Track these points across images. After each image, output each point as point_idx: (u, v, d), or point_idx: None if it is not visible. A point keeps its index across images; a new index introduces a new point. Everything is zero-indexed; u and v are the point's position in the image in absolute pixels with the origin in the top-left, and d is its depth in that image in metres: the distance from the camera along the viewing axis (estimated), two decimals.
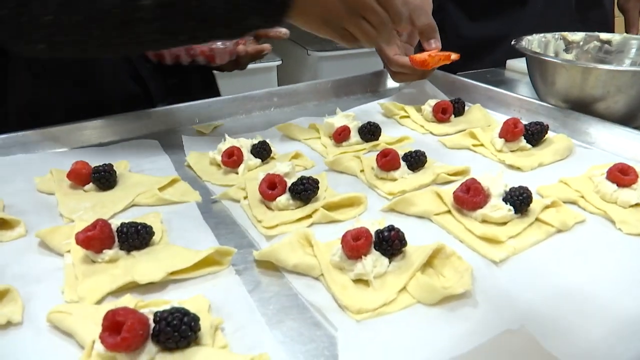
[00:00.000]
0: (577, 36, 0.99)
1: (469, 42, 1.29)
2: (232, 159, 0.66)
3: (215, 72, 1.10)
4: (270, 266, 0.48)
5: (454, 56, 0.85)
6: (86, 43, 0.65)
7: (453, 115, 0.85)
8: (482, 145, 0.75)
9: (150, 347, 0.37)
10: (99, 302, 0.44)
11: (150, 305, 0.40)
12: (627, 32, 1.39)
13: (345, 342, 0.39)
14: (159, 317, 0.37)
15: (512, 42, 0.90)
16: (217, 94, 1.08)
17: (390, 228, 0.46)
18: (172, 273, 0.46)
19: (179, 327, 0.37)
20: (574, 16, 1.31)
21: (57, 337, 0.41)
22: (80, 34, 0.63)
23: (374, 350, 0.38)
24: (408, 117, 0.87)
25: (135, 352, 0.36)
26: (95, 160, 0.64)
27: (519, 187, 0.55)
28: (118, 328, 0.36)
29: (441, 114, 0.83)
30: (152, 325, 0.37)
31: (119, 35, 0.64)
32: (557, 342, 0.36)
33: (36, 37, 0.63)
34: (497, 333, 0.31)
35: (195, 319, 0.38)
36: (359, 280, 0.45)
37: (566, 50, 0.99)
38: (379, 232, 0.46)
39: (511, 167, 0.69)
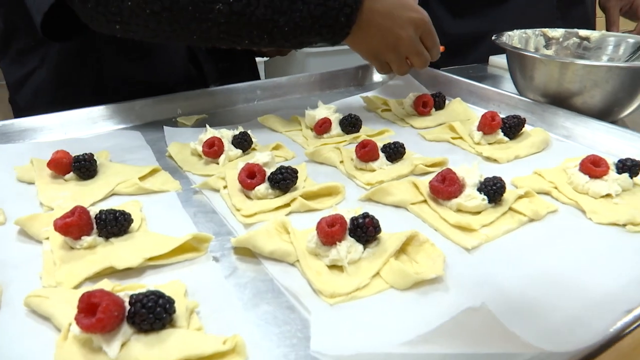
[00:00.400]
0: (557, 32, 1.01)
1: (453, 39, 1.30)
2: (212, 149, 0.66)
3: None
4: (247, 253, 0.49)
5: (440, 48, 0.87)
6: (157, 31, 0.71)
7: (434, 109, 0.86)
8: (461, 138, 0.76)
9: (126, 329, 0.37)
10: (77, 287, 0.44)
11: (127, 290, 0.41)
12: (607, 30, 1.41)
13: (317, 324, 0.40)
14: (135, 299, 0.38)
15: (493, 38, 0.91)
16: (258, 77, 1.15)
17: (365, 215, 0.47)
18: (150, 259, 0.47)
19: (154, 309, 0.37)
20: (555, 14, 1.33)
21: (34, 321, 0.41)
22: (154, 23, 0.69)
23: (345, 331, 0.39)
24: (390, 110, 0.88)
25: (110, 333, 0.37)
26: (75, 151, 0.64)
27: (493, 177, 0.56)
28: (93, 310, 0.36)
29: (422, 108, 0.84)
30: (128, 307, 0.38)
31: (189, 30, 0.70)
32: (523, 322, 0.38)
33: (115, 18, 0.69)
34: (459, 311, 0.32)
35: (170, 301, 0.38)
36: (334, 266, 0.46)
37: (546, 46, 1.00)
38: (353, 219, 0.47)
39: (488, 159, 0.70)
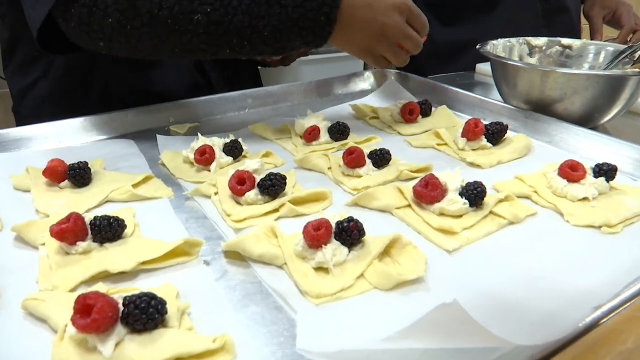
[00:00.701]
0: (540, 41, 1.03)
1: (442, 46, 1.33)
2: (204, 156, 0.68)
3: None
4: (237, 256, 0.51)
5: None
6: (139, 46, 0.73)
7: (420, 116, 0.88)
8: (446, 144, 0.78)
9: (120, 329, 0.39)
10: (72, 290, 0.46)
11: (121, 292, 0.43)
12: (592, 38, 1.45)
13: (303, 323, 0.41)
14: (128, 300, 0.39)
15: (477, 47, 0.94)
16: (260, 85, 1.18)
17: (350, 219, 0.49)
18: (143, 263, 0.48)
19: (147, 310, 0.39)
20: (541, 22, 1.36)
21: (31, 323, 0.43)
22: (135, 38, 0.71)
23: (330, 329, 0.41)
24: (377, 117, 0.90)
25: (104, 333, 0.39)
26: (70, 159, 0.66)
27: (474, 182, 0.58)
28: (88, 310, 0.38)
29: (408, 115, 0.86)
30: (121, 308, 0.40)
31: (170, 43, 0.72)
32: (499, 318, 0.40)
33: (97, 36, 0.71)
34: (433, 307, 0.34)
35: (162, 302, 0.40)
36: (320, 268, 0.48)
37: (530, 54, 1.03)
38: (338, 223, 0.49)
39: (472, 164, 0.73)
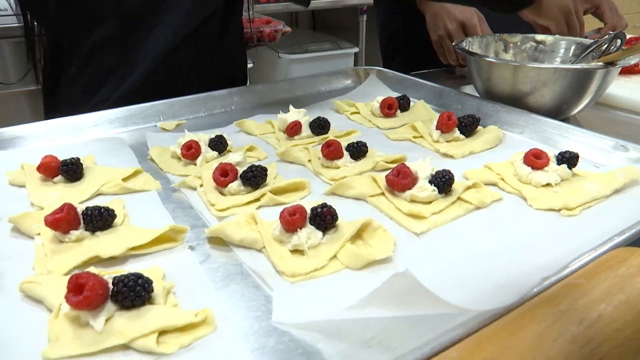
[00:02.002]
0: (515, 37, 1.08)
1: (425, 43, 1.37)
2: (190, 151, 0.72)
3: None
4: (219, 242, 0.55)
5: None
6: None
7: (399, 111, 0.92)
8: (421, 136, 0.82)
9: (110, 306, 0.43)
10: (66, 274, 0.50)
11: (111, 274, 0.47)
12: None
13: (278, 299, 0.45)
14: (117, 280, 0.43)
15: (453, 44, 0.98)
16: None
17: (324, 205, 0.53)
18: (132, 248, 0.52)
19: (134, 288, 0.43)
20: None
21: (28, 304, 0.46)
22: None
23: (303, 304, 0.45)
24: (358, 112, 0.94)
25: (96, 310, 0.42)
26: (63, 156, 0.69)
27: (443, 170, 0.62)
28: (81, 289, 0.42)
29: (387, 109, 0.90)
30: (111, 287, 0.43)
31: None
32: (457, 290, 0.43)
33: None
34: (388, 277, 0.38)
35: (148, 281, 0.44)
36: (296, 251, 0.52)
37: (505, 50, 1.07)
38: (313, 209, 0.53)
39: (445, 155, 0.77)
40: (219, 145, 0.75)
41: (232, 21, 1.07)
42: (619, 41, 0.87)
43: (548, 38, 1.05)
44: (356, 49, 2.98)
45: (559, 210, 0.60)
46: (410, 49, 1.47)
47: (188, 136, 0.75)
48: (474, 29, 1.17)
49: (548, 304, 0.36)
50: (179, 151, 0.74)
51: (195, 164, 0.73)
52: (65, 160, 0.68)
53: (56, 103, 1.03)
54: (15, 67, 2.26)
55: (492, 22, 1.21)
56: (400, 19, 1.44)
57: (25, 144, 0.82)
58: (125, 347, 0.41)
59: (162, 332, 0.42)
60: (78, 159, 0.69)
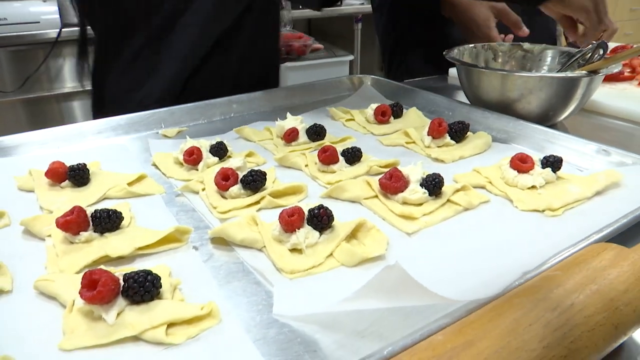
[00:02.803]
0: (503, 47, 1.12)
1: (429, 47, 1.40)
2: (192, 157, 0.75)
3: None
4: (222, 242, 0.58)
5: None
6: None
7: (392, 117, 0.96)
8: (414, 142, 0.86)
9: (121, 301, 0.46)
10: (77, 273, 0.53)
11: (121, 271, 0.50)
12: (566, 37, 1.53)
13: (278, 294, 0.49)
14: (127, 276, 0.46)
15: (444, 53, 1.02)
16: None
17: (320, 207, 0.56)
18: (139, 248, 0.55)
19: (144, 284, 0.46)
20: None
21: (42, 301, 0.49)
22: None
23: (301, 298, 0.48)
24: (353, 119, 0.97)
25: (108, 304, 0.45)
26: (69, 162, 0.72)
27: (433, 174, 0.66)
28: (94, 285, 0.45)
29: (381, 116, 0.94)
30: (122, 283, 0.46)
31: None
32: (445, 283, 0.46)
33: None
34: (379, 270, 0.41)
35: (157, 277, 0.47)
36: (294, 250, 0.55)
37: (494, 58, 1.11)
38: (310, 210, 0.56)
39: (436, 159, 0.80)
40: (219, 151, 0.78)
41: (268, 23, 1.14)
42: (601, 50, 0.91)
43: (536, 47, 1.09)
44: (351, 57, 3.03)
45: (543, 211, 0.64)
46: (413, 53, 1.51)
47: (190, 142, 0.78)
48: (504, 7, 1.22)
49: (526, 293, 0.39)
50: (181, 157, 0.77)
51: (197, 169, 0.76)
52: (72, 165, 0.71)
53: (103, 104, 1.09)
54: (13, 75, 2.29)
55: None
56: (405, 24, 1.50)
57: (31, 151, 0.85)
58: (135, 338, 0.44)
59: (170, 325, 0.45)
60: (84, 164, 0.72)
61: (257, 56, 1.12)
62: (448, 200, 0.65)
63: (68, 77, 2.41)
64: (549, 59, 1.06)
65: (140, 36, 1.01)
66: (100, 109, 1.10)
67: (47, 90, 2.37)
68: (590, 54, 0.94)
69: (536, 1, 0.88)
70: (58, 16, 2.23)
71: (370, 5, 3.04)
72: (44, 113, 2.41)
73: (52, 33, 2.21)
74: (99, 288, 0.44)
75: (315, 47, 2.52)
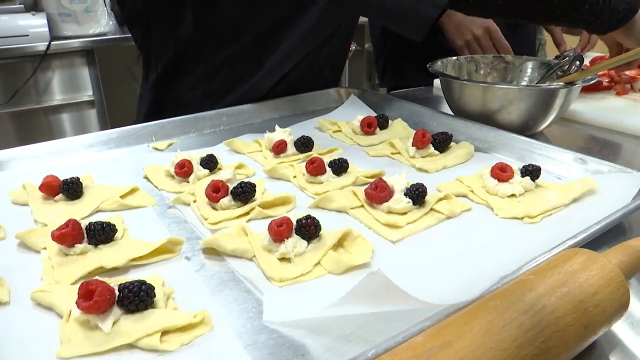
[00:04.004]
0: (486, 59, 1.15)
1: (424, 57, 1.43)
2: (183, 170, 0.77)
3: None
4: (213, 252, 0.60)
5: None
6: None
7: (378, 129, 0.99)
8: (399, 153, 0.89)
9: (116, 310, 0.48)
10: (73, 284, 0.54)
11: (116, 282, 0.51)
12: (557, 48, 1.57)
13: (268, 301, 0.51)
14: (122, 286, 0.48)
15: (427, 65, 1.05)
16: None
17: (308, 217, 0.59)
18: (133, 259, 0.57)
19: (139, 293, 0.48)
20: (505, 33, 1.46)
21: (39, 311, 0.51)
22: None
23: (290, 305, 0.50)
24: (340, 131, 1.00)
25: (104, 314, 0.47)
26: (62, 175, 0.74)
27: (417, 183, 0.68)
28: (90, 295, 0.46)
29: (367, 128, 0.96)
30: (117, 293, 0.48)
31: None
32: (427, 288, 0.49)
33: None
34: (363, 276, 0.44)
35: (151, 287, 0.49)
36: (283, 259, 0.57)
37: (477, 70, 1.15)
38: (298, 220, 0.58)
39: (420, 169, 0.83)
40: (209, 163, 0.80)
41: (349, 39, 1.21)
42: (578, 62, 0.95)
43: (516, 59, 1.12)
44: None
45: (522, 218, 0.66)
46: (407, 60, 1.55)
47: (180, 155, 0.80)
48: (498, 34, 1.25)
49: (501, 297, 0.41)
50: (172, 170, 0.79)
51: (188, 182, 0.78)
52: (66, 179, 0.72)
53: (165, 106, 1.13)
54: (1, 88, 2.29)
55: None
56: (396, 36, 1.55)
57: (24, 165, 0.86)
58: (131, 346, 0.46)
59: (164, 332, 0.46)
60: (78, 178, 0.73)
61: (330, 68, 1.21)
62: (431, 209, 0.68)
63: (57, 90, 2.41)
64: (529, 70, 1.10)
65: (232, 48, 1.07)
66: (158, 113, 1.13)
67: (35, 103, 2.37)
68: (567, 66, 0.98)
69: (603, 29, 0.89)
70: (47, 29, 2.23)
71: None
72: (32, 126, 2.41)
73: (41, 46, 2.22)
74: (95, 298, 0.46)
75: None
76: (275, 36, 1.07)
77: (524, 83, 1.10)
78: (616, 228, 0.64)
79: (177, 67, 1.11)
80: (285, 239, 0.57)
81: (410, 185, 0.69)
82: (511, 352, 0.36)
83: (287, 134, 0.89)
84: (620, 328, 0.49)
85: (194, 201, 0.71)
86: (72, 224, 0.58)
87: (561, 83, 0.91)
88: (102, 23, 2.40)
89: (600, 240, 0.59)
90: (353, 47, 2.64)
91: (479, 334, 0.37)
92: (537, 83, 1.06)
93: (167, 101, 1.14)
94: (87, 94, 2.44)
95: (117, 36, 2.43)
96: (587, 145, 0.99)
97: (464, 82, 0.97)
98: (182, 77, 1.12)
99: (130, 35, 1.17)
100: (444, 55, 1.13)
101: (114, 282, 0.52)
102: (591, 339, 0.42)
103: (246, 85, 1.10)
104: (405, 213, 0.67)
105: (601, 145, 1.00)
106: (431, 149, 0.86)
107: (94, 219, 0.69)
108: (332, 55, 1.21)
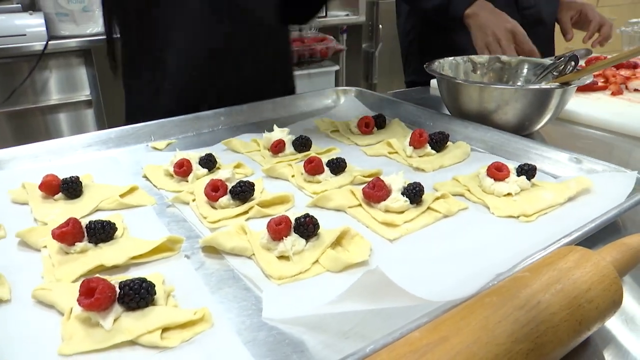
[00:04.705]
0: (482, 59, 1.16)
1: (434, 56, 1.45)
2: (182, 169, 0.78)
3: None
4: (213, 251, 0.60)
5: None
6: None
7: (376, 128, 0.99)
8: (396, 152, 0.89)
9: (117, 307, 0.48)
10: (74, 282, 0.55)
11: (117, 279, 0.52)
12: (564, 37, 1.58)
13: (267, 298, 0.51)
14: (123, 284, 0.49)
15: (425, 65, 1.06)
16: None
17: (306, 215, 0.59)
18: (133, 258, 0.57)
19: (139, 291, 0.48)
20: None
21: (41, 309, 0.51)
22: None
23: (289, 302, 0.51)
24: (337, 130, 1.00)
25: (105, 311, 0.48)
26: (61, 175, 0.74)
27: (414, 182, 0.69)
28: (92, 293, 0.47)
29: (365, 127, 0.97)
30: (118, 291, 0.49)
31: None
32: (424, 285, 0.49)
33: None
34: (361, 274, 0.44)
35: (151, 284, 0.49)
36: (282, 257, 0.58)
37: (474, 70, 1.15)
38: (297, 219, 0.59)
39: (417, 169, 0.84)
40: (208, 162, 0.81)
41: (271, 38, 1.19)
42: (573, 62, 0.95)
43: (512, 59, 1.13)
44: (337, 67, 3.08)
45: (518, 217, 0.67)
46: (425, 58, 1.58)
47: (179, 155, 0.81)
48: (522, 36, 1.23)
49: (496, 293, 0.42)
50: (171, 169, 0.79)
51: (187, 181, 0.78)
52: (65, 178, 0.73)
53: (134, 111, 1.14)
54: None
55: None
56: (419, 30, 1.61)
57: (23, 165, 0.86)
58: (132, 343, 0.46)
59: (164, 329, 0.47)
60: (77, 177, 0.74)
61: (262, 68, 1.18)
62: (428, 208, 0.68)
63: (54, 89, 2.41)
64: (525, 70, 1.11)
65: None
66: (132, 116, 1.15)
67: (32, 103, 2.37)
68: (563, 66, 0.99)
69: None
70: (44, 29, 2.23)
71: (355, 17, 3.11)
72: (29, 126, 2.41)
73: (39, 46, 2.22)
74: (96, 295, 0.46)
75: (338, 48, 2.65)
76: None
77: (519, 83, 1.11)
78: (611, 226, 0.64)
79: (130, 67, 1.14)
80: (284, 238, 0.58)
81: (408, 185, 0.69)
82: (507, 347, 0.37)
83: (285, 134, 0.90)
84: (614, 324, 0.49)
85: (193, 200, 0.71)
86: (73, 223, 0.59)
87: (557, 83, 0.92)
88: (99, 23, 2.39)
89: (595, 238, 0.60)
90: (333, 43, 2.65)
91: (475, 329, 0.37)
92: (532, 83, 1.07)
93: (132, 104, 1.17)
94: (85, 94, 2.43)
95: (115, 36, 2.42)
96: (582, 145, 1.00)
97: (461, 82, 0.97)
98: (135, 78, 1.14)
99: None
100: (464, 54, 1.15)
101: (115, 280, 0.52)
102: (585, 334, 0.43)
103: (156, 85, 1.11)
104: (402, 212, 0.67)
105: (596, 144, 1.01)
106: (428, 148, 0.87)
107: (94, 217, 0.69)
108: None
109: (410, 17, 1.64)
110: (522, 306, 0.40)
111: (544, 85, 0.95)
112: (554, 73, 1.01)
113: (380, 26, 3.24)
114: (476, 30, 1.29)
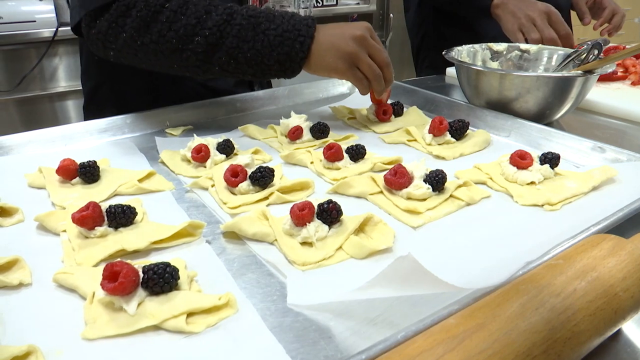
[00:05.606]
0: (501, 46, 1.14)
1: (447, 45, 1.42)
2: (200, 154, 0.77)
3: None
4: (234, 236, 0.60)
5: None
6: (144, 60, 0.86)
7: (393, 116, 0.98)
8: (415, 140, 0.88)
9: (141, 292, 0.48)
10: (95, 266, 0.54)
11: (138, 264, 0.51)
12: (581, 22, 1.55)
13: (292, 284, 0.50)
14: (147, 268, 0.48)
15: (443, 52, 1.04)
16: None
17: (329, 202, 0.58)
18: (154, 242, 0.57)
19: (163, 275, 0.47)
20: None
21: (62, 293, 0.51)
22: (142, 53, 0.84)
23: (313, 288, 0.50)
24: (354, 118, 0.99)
25: (128, 295, 0.47)
26: (78, 159, 0.74)
27: (436, 170, 0.68)
28: (115, 277, 0.46)
29: (382, 115, 0.96)
30: (142, 275, 0.48)
31: (171, 60, 0.85)
32: (451, 273, 0.48)
33: (110, 46, 0.85)
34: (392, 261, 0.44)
35: (175, 269, 0.49)
36: (305, 243, 0.57)
37: (492, 58, 1.14)
38: (320, 205, 0.58)
39: (437, 157, 0.82)
40: (226, 148, 0.80)
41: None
42: (596, 51, 0.94)
43: (532, 47, 1.11)
44: None
45: (542, 205, 0.66)
46: (436, 50, 1.56)
47: (197, 140, 0.80)
48: (557, 16, 1.20)
49: (531, 280, 0.41)
50: (189, 154, 0.78)
51: (205, 166, 0.77)
52: (83, 163, 0.72)
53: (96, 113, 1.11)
54: (7, 74, 2.28)
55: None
56: (430, 23, 1.58)
57: (38, 149, 0.86)
58: (156, 327, 0.46)
59: (189, 314, 0.46)
60: (95, 161, 0.73)
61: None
62: (451, 196, 0.67)
63: (63, 76, 2.40)
64: (545, 59, 1.09)
65: None
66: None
67: (41, 90, 2.36)
68: (585, 55, 0.97)
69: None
70: (54, 15, 2.22)
71: (366, 6, 3.08)
72: (38, 113, 2.41)
73: (48, 32, 2.21)
74: (120, 279, 0.46)
75: None
76: None
77: (540, 71, 1.09)
78: (636, 216, 0.63)
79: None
80: (307, 223, 0.57)
81: (430, 172, 0.68)
82: (544, 335, 0.36)
83: (303, 120, 0.89)
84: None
85: (212, 185, 0.71)
86: (93, 207, 0.58)
87: (579, 71, 0.90)
88: None
89: (623, 227, 0.58)
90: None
91: (512, 317, 0.36)
92: (555, 71, 1.05)
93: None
94: None
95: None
96: (602, 134, 0.99)
97: (482, 69, 0.96)
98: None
99: None
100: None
101: (137, 264, 0.52)
102: (620, 324, 0.42)
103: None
104: (424, 199, 0.66)
105: (616, 133, 1.00)
106: (448, 136, 0.85)
107: (112, 202, 0.69)
108: None
109: (420, 10, 1.61)
110: (557, 293, 0.39)
111: (567, 73, 0.93)
112: (576, 61, 0.99)
113: (391, 15, 3.21)
114: (507, 16, 1.26)
